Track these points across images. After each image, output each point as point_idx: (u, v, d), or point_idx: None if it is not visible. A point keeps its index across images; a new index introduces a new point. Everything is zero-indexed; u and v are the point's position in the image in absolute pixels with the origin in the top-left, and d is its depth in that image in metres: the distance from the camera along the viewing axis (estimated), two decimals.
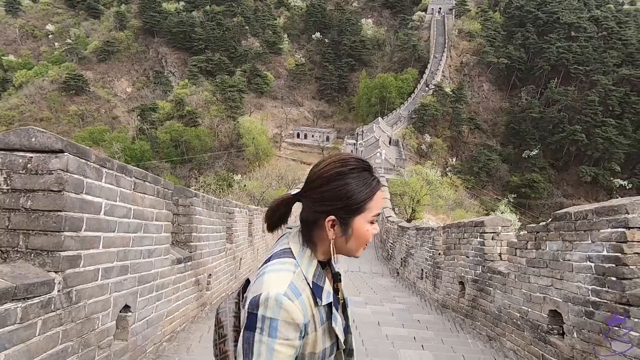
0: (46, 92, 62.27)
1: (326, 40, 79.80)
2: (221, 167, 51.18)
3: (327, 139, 64.17)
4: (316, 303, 0.87)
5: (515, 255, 3.82)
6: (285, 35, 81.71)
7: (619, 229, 2.52)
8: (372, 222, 0.93)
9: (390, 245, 10.64)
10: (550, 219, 3.28)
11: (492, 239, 4.51)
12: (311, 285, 0.87)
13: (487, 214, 37.62)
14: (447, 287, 5.82)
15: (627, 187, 52.91)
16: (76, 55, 71.49)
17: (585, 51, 63.75)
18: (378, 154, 40.94)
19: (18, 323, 1.53)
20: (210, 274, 4.46)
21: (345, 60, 76.07)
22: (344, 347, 0.96)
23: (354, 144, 49.15)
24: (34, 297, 1.62)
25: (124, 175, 2.35)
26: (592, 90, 59.18)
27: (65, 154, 1.79)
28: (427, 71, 69.99)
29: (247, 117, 61.89)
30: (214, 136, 60.36)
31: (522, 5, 73.18)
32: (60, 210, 1.78)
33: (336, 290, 0.99)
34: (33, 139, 1.76)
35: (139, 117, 60.56)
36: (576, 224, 2.94)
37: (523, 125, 61.43)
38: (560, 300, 3.10)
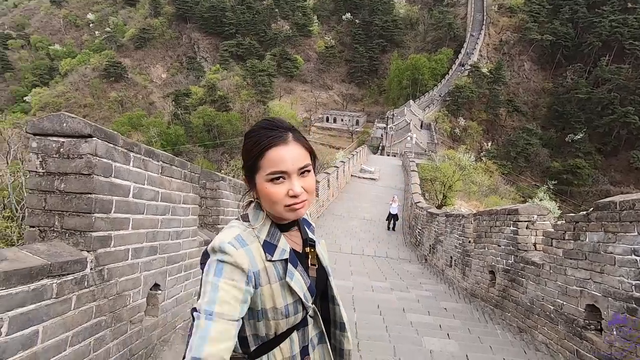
0: (88, 79, 65.54)
1: (357, 21, 77.75)
2: None
3: (357, 122, 63.33)
4: (267, 258, 0.92)
5: (551, 245, 3.61)
6: (315, 17, 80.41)
7: None
8: (272, 181, 0.90)
9: (418, 232, 10.46)
10: (592, 208, 3.05)
11: (526, 227, 4.30)
12: (261, 242, 0.92)
13: (524, 201, 36.01)
14: (476, 275, 5.65)
15: None
16: (115, 43, 74.38)
17: None
18: (409, 138, 39.95)
19: (54, 298, 1.63)
20: None
21: (377, 42, 73.94)
22: (309, 305, 0.97)
23: (384, 127, 48.17)
24: (68, 274, 1.72)
25: (151, 159, 2.41)
26: None
27: (94, 138, 1.85)
28: (463, 51, 66.67)
29: (277, 102, 62.23)
30: (245, 120, 61.24)
31: None
32: (90, 193, 1.86)
33: (306, 255, 1.02)
34: (64, 124, 1.84)
35: (173, 102, 62.51)
36: (621, 214, 2.72)
37: (567, 107, 57.51)
38: (600, 294, 2.92)
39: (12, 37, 78.91)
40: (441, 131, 54.74)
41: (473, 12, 70.97)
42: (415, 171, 19.26)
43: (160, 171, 2.54)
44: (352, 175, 20.84)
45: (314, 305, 1.00)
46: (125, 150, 2.12)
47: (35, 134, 1.86)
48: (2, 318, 1.38)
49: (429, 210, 9.44)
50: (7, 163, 7.85)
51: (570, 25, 63.02)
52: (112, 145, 1.99)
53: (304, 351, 0.98)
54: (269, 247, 0.93)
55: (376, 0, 78.28)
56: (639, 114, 51.19)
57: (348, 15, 79.54)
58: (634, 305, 2.58)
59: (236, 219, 0.99)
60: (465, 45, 67.04)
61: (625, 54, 57.77)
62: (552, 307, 3.56)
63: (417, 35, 76.06)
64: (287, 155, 0.91)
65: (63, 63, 69.93)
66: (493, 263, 5.01)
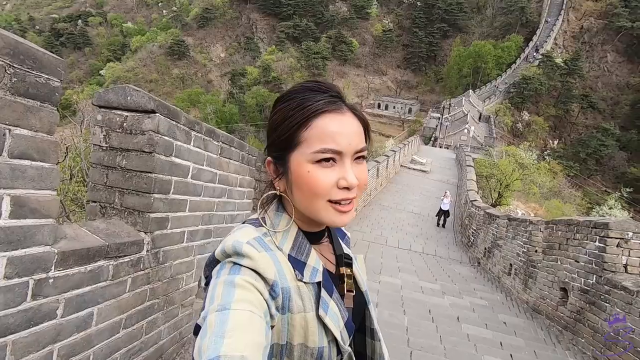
0: (155, 56, 69.59)
1: (418, 4, 73.91)
2: None
3: (410, 111, 61.08)
4: (298, 277, 0.65)
5: None
6: None
7: None
8: (320, 162, 0.63)
9: (472, 232, 9.79)
10: None
11: (617, 245, 3.70)
12: (286, 257, 0.66)
13: (591, 208, 32.79)
14: (542, 290, 5.09)
15: None
16: (180, 22, 77.92)
17: None
18: (465, 131, 37.75)
19: (110, 280, 1.57)
20: None
21: (438, 26, 69.94)
22: (346, 349, 0.68)
23: (439, 118, 45.94)
24: (125, 256, 1.64)
25: (211, 139, 2.29)
26: None
27: (157, 114, 1.74)
28: (535, 38, 60.92)
29: None
30: None
31: None
32: (150, 172, 1.76)
33: (340, 277, 0.73)
34: (129, 98, 1.74)
35: (229, 81, 64.57)
36: None
37: None
38: None
39: (92, 15, 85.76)
40: (501, 125, 51.02)
41: None
42: (471, 166, 18.12)
43: (219, 152, 2.42)
44: (402, 166, 20.13)
45: (350, 349, 0.71)
46: (187, 129, 2.00)
47: (100, 107, 1.79)
48: (58, 300, 1.31)
49: (487, 210, 8.75)
50: (81, 131, 8.43)
51: None
52: (174, 122, 1.88)
53: None
54: (295, 264, 0.66)
55: None
56: None
57: None
58: None
59: (244, 223, 0.71)
60: (538, 32, 61.10)
61: None
62: None
63: (484, 19, 70.65)
64: (343, 128, 0.64)
65: (134, 40, 74.78)
66: (566, 280, 4.44)
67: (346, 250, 0.79)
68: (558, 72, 54.10)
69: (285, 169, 0.67)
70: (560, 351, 3.81)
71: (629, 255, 3.65)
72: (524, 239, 6.04)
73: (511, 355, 3.29)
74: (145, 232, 1.79)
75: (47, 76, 1.15)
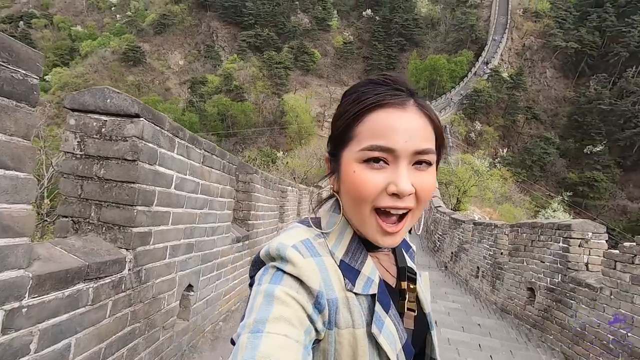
0: (108, 62, 66.07)
1: (377, 18, 76.81)
2: (264, 143, 52.10)
3: None
4: (347, 287, 0.57)
5: (614, 268, 3.27)
6: (335, 12, 79.70)
7: None
8: (367, 162, 0.56)
9: (438, 237, 10.10)
10: None
11: (579, 245, 3.95)
12: (337, 262, 0.59)
13: (537, 211, 35.27)
14: (509, 290, 5.32)
15: None
16: (135, 27, 74.82)
17: None
18: None
19: (89, 305, 1.38)
20: None
21: (396, 40, 72.96)
22: None
23: None
24: (106, 276, 1.47)
25: (194, 146, 2.15)
26: None
27: (141, 119, 1.59)
28: (484, 53, 65.38)
29: (292, 95, 61.96)
30: (259, 112, 61.27)
31: None
32: (134, 182, 1.60)
33: (401, 292, 0.65)
34: (108, 100, 1.58)
35: (189, 89, 62.74)
36: None
37: (588, 118, 56.04)
38: None
39: (35, 16, 79.88)
40: (456, 134, 53.93)
41: (497, 14, 69.38)
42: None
43: (202, 160, 2.28)
44: (314, 186, 20.46)
45: None
46: (171, 135, 1.86)
47: (73, 110, 1.60)
48: (32, 332, 1.12)
49: (452, 215, 9.08)
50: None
51: (597, 33, 61.18)
52: (158, 128, 1.73)
53: None
54: (348, 271, 0.59)
55: None
56: None
57: (368, 11, 78.63)
58: None
59: (300, 222, 0.65)
60: (486, 48, 65.66)
61: None
62: (611, 337, 3.22)
63: (438, 35, 74.79)
64: (400, 124, 0.56)
65: (84, 44, 70.59)
66: (533, 280, 4.67)
67: (410, 263, 0.70)
68: (505, 86, 58.37)
69: (337, 166, 0.61)
70: (532, 349, 3.98)
71: (589, 254, 3.91)
72: (490, 242, 6.31)
73: (491, 357, 3.37)
74: (127, 249, 1.62)
75: (24, 72, 1.00)
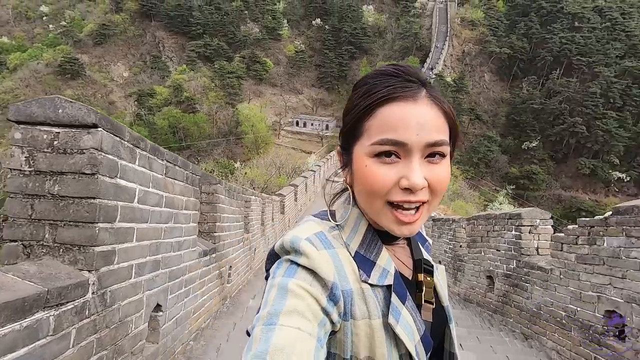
0: (41, 75, 61.01)
1: (326, 27, 78.53)
2: (220, 154, 50.76)
3: (327, 127, 63.64)
4: (362, 278, 0.58)
5: (562, 250, 3.57)
6: (285, 21, 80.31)
7: None
8: (378, 157, 0.56)
9: None
10: (611, 213, 3.02)
11: (529, 232, 4.27)
12: (352, 253, 0.60)
13: (486, 205, 37.67)
14: (470, 280, 5.61)
15: (625, 180, 53.05)
16: (71, 38, 69.93)
17: (589, 42, 63.12)
18: None
19: (51, 335, 1.25)
20: (230, 266, 4.20)
21: (346, 48, 74.99)
22: None
23: None
24: (68, 302, 1.34)
25: (156, 157, 2.05)
26: (594, 82, 58.81)
27: (99, 129, 1.49)
28: (428, 60, 69.20)
29: (246, 104, 61.28)
30: (213, 123, 59.73)
31: None
32: (94, 198, 1.48)
33: (418, 284, 0.65)
34: (60, 111, 1.45)
35: (136, 102, 59.68)
36: None
37: (523, 117, 61.22)
38: (622, 300, 2.87)
39: None
40: None
41: (438, 23, 73.92)
42: None
43: (164, 172, 2.17)
44: (327, 180, 20.69)
45: None
46: (132, 146, 1.75)
47: (19, 122, 1.46)
48: None
49: None
50: None
51: (525, 40, 67.33)
52: (118, 138, 1.63)
53: None
54: (363, 263, 0.59)
55: (345, 8, 79.59)
56: (586, 125, 55.47)
57: (318, 20, 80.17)
58: None
59: (315, 215, 0.66)
60: (430, 55, 69.60)
61: (573, 69, 62.52)
62: (563, 313, 3.51)
63: (385, 43, 77.99)
64: (411, 117, 0.55)
65: (12, 57, 64.63)
66: (491, 268, 4.96)
67: (426, 255, 0.70)
68: (449, 89, 62.12)
69: (349, 160, 0.61)
70: (496, 333, 4.21)
71: (539, 240, 4.25)
72: (449, 237, 6.63)
73: (461, 345, 3.51)
74: (89, 271, 1.49)
75: None
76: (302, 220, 0.65)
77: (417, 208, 0.57)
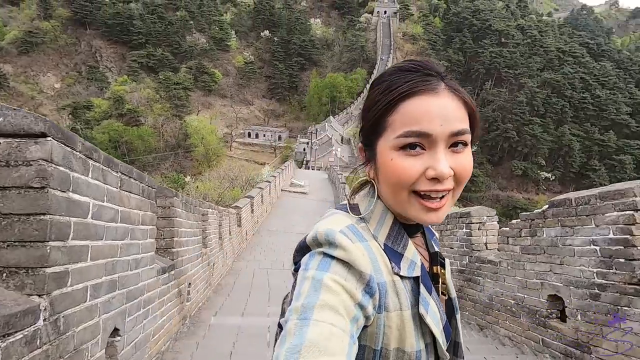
0: None
1: (275, 39, 78.98)
2: (168, 168, 48.46)
3: (279, 138, 63.55)
4: (394, 270, 0.60)
5: (508, 243, 3.88)
6: (233, 32, 79.46)
7: (627, 212, 2.59)
8: (403, 149, 0.58)
9: None
10: (547, 206, 3.35)
11: (478, 229, 4.58)
12: (382, 247, 0.61)
13: None
14: None
15: (551, 179, 59.09)
16: None
17: (514, 56, 70.06)
18: (333, 152, 41.33)
19: None
20: (190, 283, 3.99)
21: (295, 59, 75.94)
22: (445, 355, 0.61)
23: (308, 142, 49.16)
24: (16, 332, 1.19)
25: (110, 169, 1.91)
26: (521, 92, 65.28)
27: (49, 138, 1.36)
28: (374, 72, 72.20)
29: (195, 116, 59.24)
30: (159, 136, 56.94)
31: (458, 12, 78.53)
32: (44, 214, 1.34)
33: (434, 277, 0.67)
34: (1, 119, 1.31)
35: (70, 115, 55.15)
36: (577, 210, 3.02)
37: None
38: (561, 284, 3.18)
39: None
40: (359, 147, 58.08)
41: (382, 37, 77.76)
42: (344, 183, 19.79)
43: (119, 184, 2.04)
44: (282, 190, 20.56)
45: (449, 355, 0.64)
46: (84, 157, 1.63)
47: None
48: None
49: None
50: None
51: (460, 53, 73.20)
52: (69, 148, 1.50)
53: None
54: (392, 255, 0.60)
55: (293, 21, 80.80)
56: (516, 130, 61.18)
57: (266, 32, 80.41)
58: (597, 291, 2.84)
59: (338, 208, 0.67)
60: (376, 66, 72.79)
61: (502, 80, 68.99)
62: (512, 302, 3.80)
63: (334, 55, 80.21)
64: (434, 109, 0.57)
65: None
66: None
67: (437, 249, 0.72)
68: None
69: (373, 156, 0.63)
70: None
71: (487, 235, 4.58)
72: None
73: (468, 348, 3.65)
74: (39, 295, 1.34)
75: None
76: (327, 212, 0.66)
77: (443, 196, 0.59)
